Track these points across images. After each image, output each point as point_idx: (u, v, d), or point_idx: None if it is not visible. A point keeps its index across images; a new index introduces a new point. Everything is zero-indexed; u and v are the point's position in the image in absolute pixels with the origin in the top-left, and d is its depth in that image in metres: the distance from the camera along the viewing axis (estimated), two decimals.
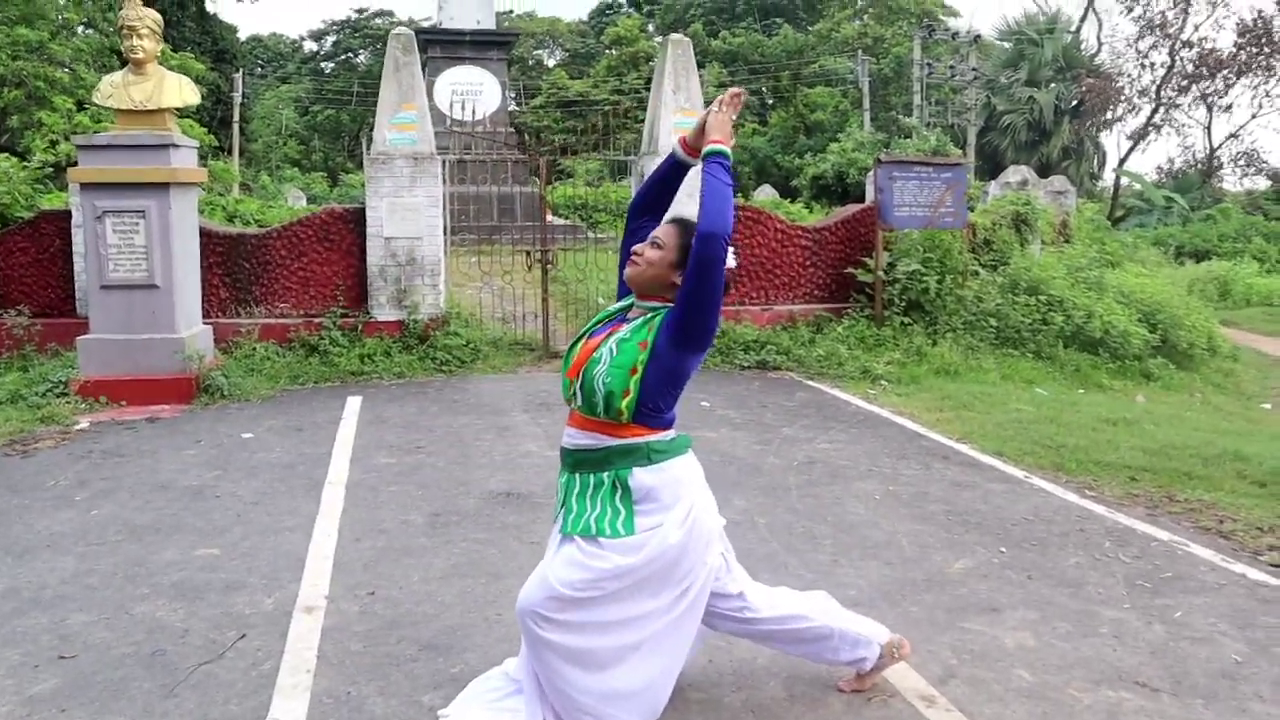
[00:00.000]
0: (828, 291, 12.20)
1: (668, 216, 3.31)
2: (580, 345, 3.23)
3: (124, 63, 9.45)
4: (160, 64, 9.70)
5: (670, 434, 3.19)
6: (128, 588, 4.72)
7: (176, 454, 7.24)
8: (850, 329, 11.45)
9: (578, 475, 3.18)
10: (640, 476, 3.11)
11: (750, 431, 7.98)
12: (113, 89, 9.21)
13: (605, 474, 3.13)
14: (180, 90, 9.36)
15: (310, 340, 10.63)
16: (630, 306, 3.26)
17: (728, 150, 3.10)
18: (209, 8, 35.11)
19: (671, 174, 3.37)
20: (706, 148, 3.12)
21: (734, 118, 3.20)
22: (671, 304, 3.09)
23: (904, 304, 11.57)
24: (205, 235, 10.46)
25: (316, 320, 10.83)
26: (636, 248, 3.21)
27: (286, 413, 8.65)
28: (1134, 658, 4.03)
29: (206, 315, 10.35)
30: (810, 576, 4.86)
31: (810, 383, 10.14)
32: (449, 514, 5.85)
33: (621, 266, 3.28)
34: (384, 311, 10.95)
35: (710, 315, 3.02)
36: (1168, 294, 13.84)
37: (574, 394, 3.17)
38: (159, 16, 9.43)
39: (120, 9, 9.68)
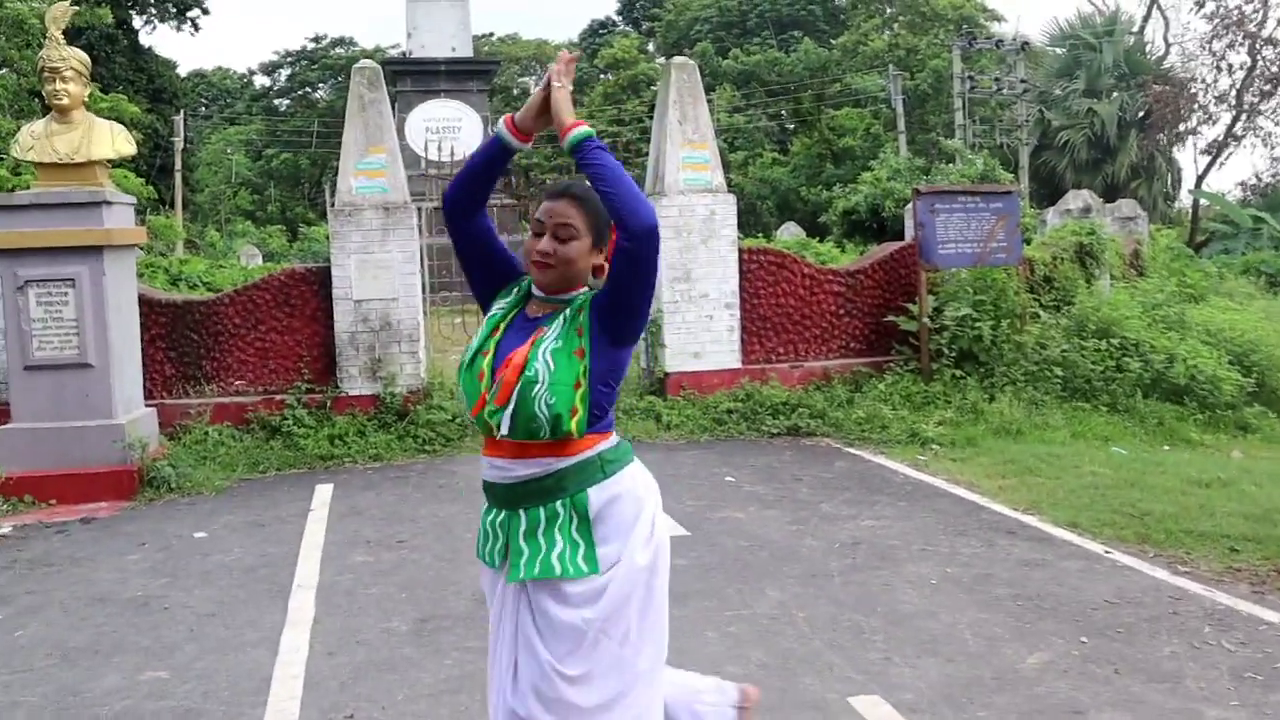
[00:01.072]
0: (866, 343, 12.24)
1: (553, 192, 3.25)
2: (486, 361, 3.12)
3: (46, 109, 9.58)
4: (89, 109, 9.83)
5: (615, 438, 3.18)
6: None
7: (117, 560, 7.24)
8: (894, 386, 11.45)
9: (523, 512, 3.09)
10: (595, 497, 3.07)
11: (783, 509, 7.96)
12: (34, 140, 9.32)
13: (559, 502, 3.06)
14: (112, 139, 9.48)
15: (271, 421, 10.66)
16: (522, 300, 3.24)
17: (592, 131, 3.11)
18: (143, 41, 35.73)
19: (498, 161, 3.29)
20: (572, 134, 3.07)
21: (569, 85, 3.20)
22: (587, 289, 3.13)
23: (954, 354, 11.58)
24: (146, 304, 10.55)
25: (278, 397, 10.87)
26: (540, 248, 3.12)
27: (246, 506, 8.66)
28: None
29: (149, 396, 10.40)
30: (860, 679, 4.83)
31: (850, 450, 10.13)
32: (438, 619, 5.83)
33: (472, 272, 3.30)
34: (356, 385, 11.00)
35: (647, 307, 3.08)
36: (1263, 330, 13.82)
37: (500, 422, 3.05)
38: (85, 56, 9.55)
39: (40, 47, 9.83)
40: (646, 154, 12.69)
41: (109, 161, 9.72)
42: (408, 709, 4.69)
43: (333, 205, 11.31)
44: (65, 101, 9.29)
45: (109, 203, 9.29)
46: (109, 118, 10.82)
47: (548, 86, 3.16)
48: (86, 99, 9.66)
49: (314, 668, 5.20)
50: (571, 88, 3.20)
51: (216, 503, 8.85)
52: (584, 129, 3.07)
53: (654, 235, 2.96)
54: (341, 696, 4.85)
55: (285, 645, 5.51)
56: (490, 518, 3.16)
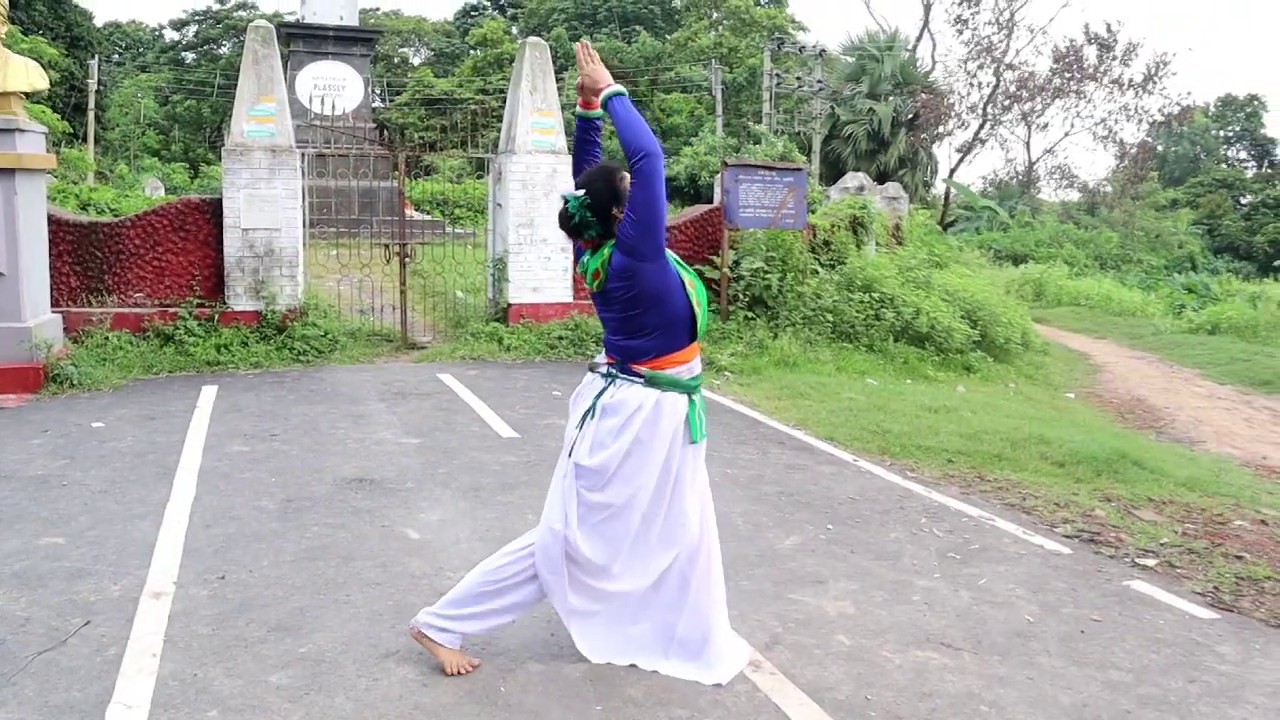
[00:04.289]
0: None
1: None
2: (697, 286, 3.54)
3: None
4: (7, 47, 9.18)
5: None
6: None
7: (21, 443, 6.90)
8: None
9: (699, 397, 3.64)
10: None
11: None
12: None
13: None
14: (26, 74, 8.88)
15: (165, 330, 10.24)
16: None
17: (623, 90, 3.38)
18: None
19: (585, 131, 3.66)
20: (605, 93, 3.36)
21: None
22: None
23: (748, 300, 11.82)
24: (55, 223, 9.97)
25: (172, 310, 10.43)
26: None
27: (139, 402, 8.32)
28: (941, 621, 4.24)
29: (56, 304, 9.87)
30: None
31: None
32: (301, 500, 5.73)
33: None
34: (241, 302, 10.62)
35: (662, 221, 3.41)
36: (988, 294, 14.48)
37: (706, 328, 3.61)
38: None
39: None
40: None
41: (23, 94, 9.10)
42: (271, 572, 4.61)
43: (226, 146, 10.83)
44: None
45: (21, 130, 8.71)
46: (28, 58, 10.11)
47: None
48: (4, 37, 9.02)
49: (192, 537, 5.06)
50: (593, 65, 3.46)
51: (113, 398, 8.49)
52: (612, 89, 3.37)
53: (653, 156, 3.23)
54: (215, 561, 4.74)
55: (168, 518, 5.34)
56: (696, 406, 3.65)
